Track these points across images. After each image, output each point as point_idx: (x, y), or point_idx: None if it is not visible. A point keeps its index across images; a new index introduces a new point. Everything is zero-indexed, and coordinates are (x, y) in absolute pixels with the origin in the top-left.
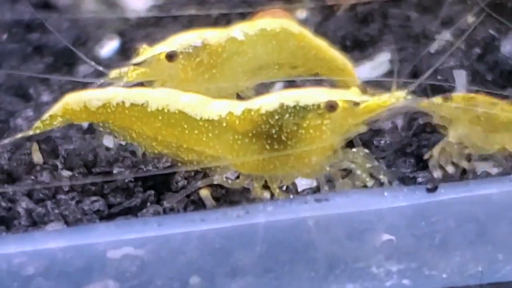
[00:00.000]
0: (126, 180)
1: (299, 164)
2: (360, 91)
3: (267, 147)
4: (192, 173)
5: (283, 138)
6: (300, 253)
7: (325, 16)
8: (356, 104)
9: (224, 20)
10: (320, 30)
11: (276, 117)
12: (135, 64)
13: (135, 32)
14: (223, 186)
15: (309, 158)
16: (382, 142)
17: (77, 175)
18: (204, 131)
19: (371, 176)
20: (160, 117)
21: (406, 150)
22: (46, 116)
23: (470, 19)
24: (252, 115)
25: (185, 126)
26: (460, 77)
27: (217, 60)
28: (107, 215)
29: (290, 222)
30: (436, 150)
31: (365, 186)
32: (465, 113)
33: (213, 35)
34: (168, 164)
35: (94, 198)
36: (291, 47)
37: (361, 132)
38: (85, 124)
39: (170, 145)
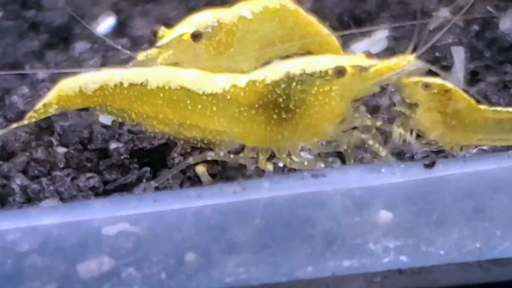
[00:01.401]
0: (122, 157)
1: (308, 133)
2: (366, 57)
3: (275, 116)
4: (189, 150)
5: (291, 106)
6: (297, 229)
7: None
8: (365, 69)
9: None
10: (317, 6)
11: (283, 86)
12: (159, 47)
13: (132, 9)
14: (219, 162)
15: (319, 126)
16: (379, 118)
17: (72, 151)
18: (208, 106)
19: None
20: (161, 95)
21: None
22: (40, 105)
23: None
24: (257, 86)
25: (188, 101)
26: (458, 53)
27: (233, 39)
28: (103, 192)
29: (287, 198)
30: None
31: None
32: (435, 102)
33: (226, 15)
34: (163, 141)
35: (89, 174)
36: (290, 23)
37: (368, 94)
38: None
39: (172, 123)
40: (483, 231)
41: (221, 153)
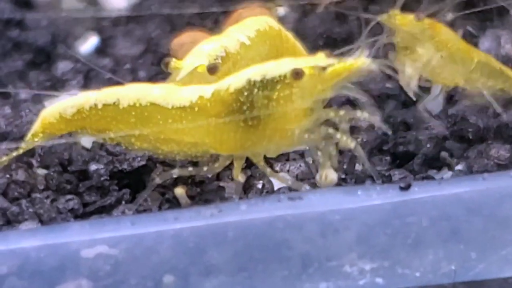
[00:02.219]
0: (102, 179)
1: (276, 137)
2: (325, 56)
3: (242, 124)
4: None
5: (255, 113)
6: (273, 251)
7: (304, 13)
8: (323, 68)
9: (203, 18)
10: (299, 27)
11: (245, 93)
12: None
13: (114, 29)
14: (198, 185)
15: (286, 128)
16: (359, 139)
17: (52, 173)
18: (178, 119)
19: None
20: (133, 113)
21: (383, 147)
22: (28, 135)
23: (449, 16)
24: (222, 96)
25: (158, 117)
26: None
27: (237, 67)
28: (82, 214)
29: (264, 220)
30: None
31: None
32: (431, 37)
33: (230, 43)
34: (143, 162)
35: (69, 196)
36: (277, 43)
37: (329, 95)
38: None
39: (148, 139)
40: (458, 253)
41: (189, 168)
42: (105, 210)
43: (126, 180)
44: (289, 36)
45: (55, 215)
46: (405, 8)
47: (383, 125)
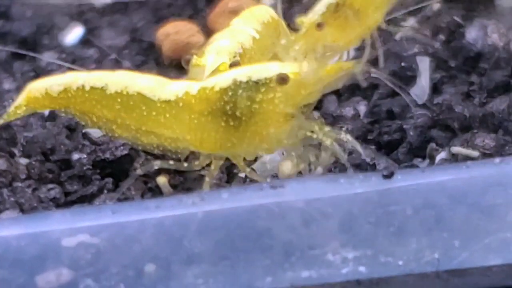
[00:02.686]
0: (84, 168)
1: (256, 140)
2: (311, 61)
3: (223, 124)
4: (151, 161)
5: (237, 114)
6: (255, 240)
7: (290, 3)
8: (307, 74)
9: (189, 6)
10: (285, 16)
11: (230, 93)
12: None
13: (99, 20)
14: (180, 173)
15: (265, 132)
16: (344, 128)
17: (34, 162)
18: (162, 112)
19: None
20: (119, 100)
21: (367, 137)
22: (12, 107)
23: (436, 6)
24: (207, 93)
25: (143, 108)
26: (424, 63)
27: (252, 62)
28: (64, 203)
29: (246, 209)
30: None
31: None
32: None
33: (245, 39)
34: (126, 152)
35: (50, 185)
36: (277, 33)
37: (312, 101)
38: (46, 112)
39: (129, 128)
40: (441, 242)
41: (170, 162)
42: (87, 199)
43: (108, 169)
44: (284, 25)
45: (36, 204)
46: None
47: (363, 151)
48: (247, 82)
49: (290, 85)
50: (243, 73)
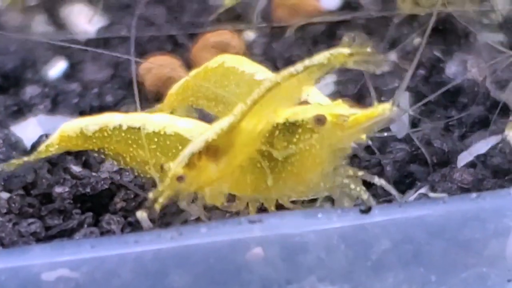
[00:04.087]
0: (65, 202)
1: (291, 182)
2: (346, 104)
3: (258, 165)
4: (132, 195)
5: (274, 155)
6: (234, 275)
7: (272, 38)
8: (345, 117)
9: (171, 41)
10: (267, 51)
11: (267, 135)
12: None
13: (83, 54)
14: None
15: (301, 174)
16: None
17: (15, 197)
18: None
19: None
20: (155, 139)
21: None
22: (42, 146)
23: (417, 40)
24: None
25: (180, 147)
26: (403, 98)
27: None
28: (44, 237)
29: (224, 243)
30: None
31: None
32: None
33: None
34: (106, 186)
35: (31, 220)
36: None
37: (348, 145)
38: (28, 146)
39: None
40: (418, 276)
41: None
42: (67, 234)
43: (89, 204)
44: None
45: (16, 239)
46: (373, 33)
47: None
48: (284, 123)
49: (328, 127)
50: (280, 115)
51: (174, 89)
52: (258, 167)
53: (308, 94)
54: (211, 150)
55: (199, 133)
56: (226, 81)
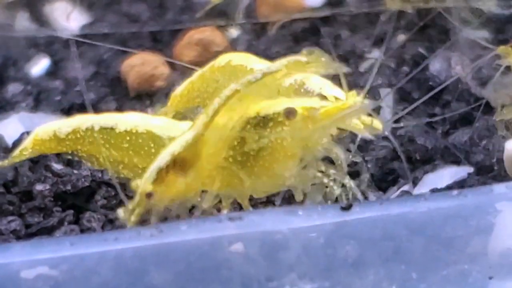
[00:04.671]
0: (45, 200)
1: (263, 176)
2: (319, 99)
3: (230, 160)
4: (113, 193)
5: (245, 149)
6: (214, 272)
7: (256, 35)
8: (315, 110)
9: (154, 38)
10: (251, 48)
11: (238, 129)
12: None
13: (66, 51)
14: None
15: (273, 168)
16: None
17: None
18: None
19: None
20: (128, 138)
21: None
22: (17, 151)
23: (401, 37)
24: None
25: (152, 145)
26: (387, 95)
27: None
28: (24, 235)
29: (204, 241)
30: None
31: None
32: None
33: None
34: (87, 184)
35: (11, 218)
36: None
37: (320, 139)
38: (9, 143)
39: (136, 168)
40: (399, 274)
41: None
42: (47, 231)
43: (69, 201)
44: None
45: None
46: (356, 31)
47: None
48: (254, 117)
49: (298, 120)
50: (251, 108)
51: (178, 91)
52: (230, 162)
53: (321, 87)
54: (178, 163)
55: (170, 129)
56: (235, 79)
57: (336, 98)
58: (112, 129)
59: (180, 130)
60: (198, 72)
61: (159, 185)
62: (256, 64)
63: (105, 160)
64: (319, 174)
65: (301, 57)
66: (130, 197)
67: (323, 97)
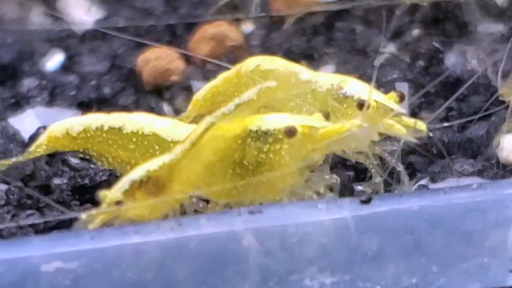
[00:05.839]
0: (63, 194)
1: (260, 189)
2: (322, 117)
3: (230, 171)
4: None
5: (244, 162)
6: (234, 265)
7: (271, 29)
8: (315, 129)
9: (169, 33)
10: (266, 43)
11: (239, 141)
12: None
13: (80, 46)
14: None
15: (270, 182)
16: None
17: (13, 188)
18: None
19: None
20: (134, 139)
21: (346, 162)
22: (32, 147)
23: (416, 32)
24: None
25: (157, 147)
26: (402, 89)
27: None
28: (43, 229)
29: (224, 234)
30: None
31: None
32: None
33: None
34: (105, 178)
35: (29, 211)
36: None
37: (318, 158)
38: (25, 137)
39: None
40: (419, 267)
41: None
42: (66, 225)
43: (87, 195)
44: None
45: (15, 230)
46: (371, 25)
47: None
48: (256, 131)
49: (298, 138)
50: (254, 121)
51: (199, 94)
52: (229, 173)
53: (360, 92)
54: (152, 181)
55: (174, 131)
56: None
57: (377, 102)
58: (119, 129)
59: (181, 133)
60: (222, 76)
61: (129, 197)
62: (287, 67)
63: (114, 160)
64: (315, 197)
65: (270, 83)
66: None
67: (362, 102)
